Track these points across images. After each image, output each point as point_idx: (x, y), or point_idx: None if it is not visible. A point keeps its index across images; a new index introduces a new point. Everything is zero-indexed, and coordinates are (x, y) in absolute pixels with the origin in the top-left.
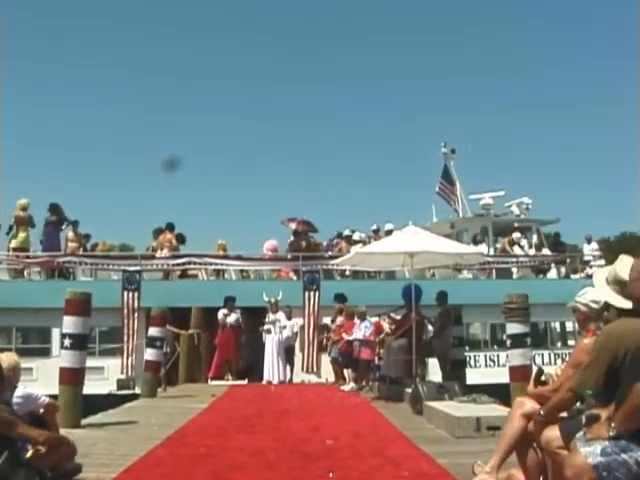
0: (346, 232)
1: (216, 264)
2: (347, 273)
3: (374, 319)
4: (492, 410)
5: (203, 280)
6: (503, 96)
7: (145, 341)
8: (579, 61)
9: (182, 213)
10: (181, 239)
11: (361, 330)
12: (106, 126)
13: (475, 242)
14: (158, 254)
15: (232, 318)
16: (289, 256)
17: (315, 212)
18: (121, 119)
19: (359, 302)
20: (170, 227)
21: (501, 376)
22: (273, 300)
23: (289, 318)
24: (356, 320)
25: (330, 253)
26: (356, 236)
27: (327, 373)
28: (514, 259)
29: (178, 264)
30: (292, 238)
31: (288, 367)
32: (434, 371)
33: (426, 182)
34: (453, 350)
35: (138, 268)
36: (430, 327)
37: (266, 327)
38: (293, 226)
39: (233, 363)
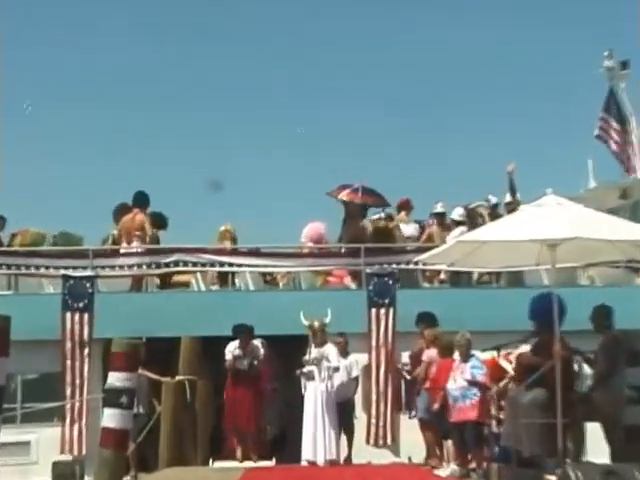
0: (438, 208)
1: (220, 264)
2: (442, 277)
3: (486, 355)
4: None
5: (199, 292)
6: None
7: (102, 396)
8: None
9: (161, 184)
10: (160, 222)
11: (465, 373)
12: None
13: None
14: (123, 248)
15: (247, 361)
16: (343, 249)
17: (385, 179)
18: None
19: (460, 327)
20: (141, 201)
21: None
22: (317, 324)
23: (344, 355)
24: (456, 356)
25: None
26: (457, 214)
27: (410, 446)
28: None
29: (157, 265)
30: (348, 219)
31: (343, 436)
32: (596, 445)
33: (576, 121)
34: (629, 409)
35: (89, 273)
36: (587, 369)
37: (305, 370)
38: (355, 200)
39: (250, 432)
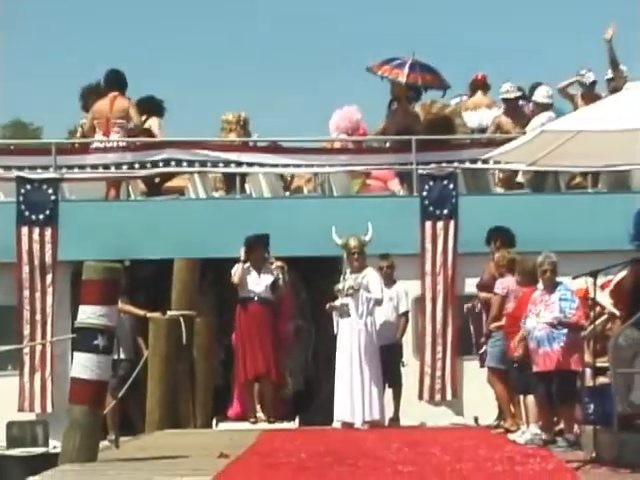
0: (508, 91)
1: (225, 163)
2: (519, 179)
3: (578, 284)
4: None
5: (197, 200)
6: None
7: (71, 337)
8: None
9: (147, 63)
10: (154, 108)
11: (551, 307)
12: None
13: None
14: (97, 142)
15: (264, 282)
16: (388, 143)
17: (441, 53)
18: None
19: (543, 246)
20: (116, 82)
21: None
22: (354, 243)
23: (389, 283)
24: (539, 286)
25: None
26: (541, 95)
27: (477, 402)
28: None
29: (142, 164)
30: (394, 104)
31: (388, 390)
32: None
33: None
34: None
35: (52, 174)
36: None
37: (339, 303)
38: (398, 77)
39: (267, 382)
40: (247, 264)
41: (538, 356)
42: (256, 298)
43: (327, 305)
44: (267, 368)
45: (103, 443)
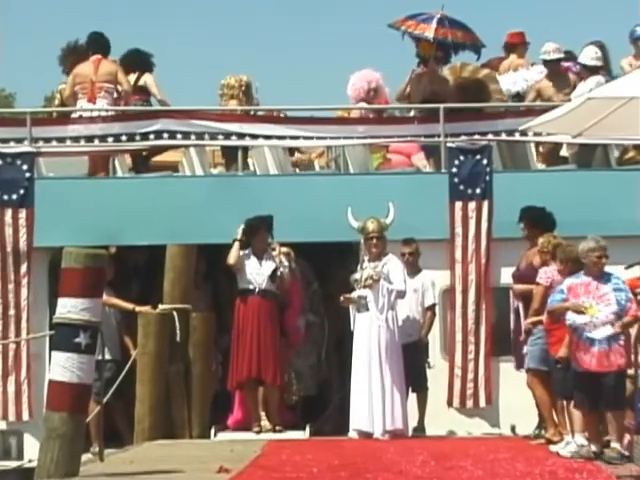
0: (550, 53)
1: (225, 135)
2: (562, 153)
3: (629, 274)
4: None
5: (193, 177)
6: None
7: (49, 334)
8: None
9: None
10: (139, 63)
11: (605, 299)
12: None
13: None
14: (80, 110)
15: (266, 271)
16: (412, 112)
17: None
18: None
19: (590, 229)
20: (99, 46)
21: None
22: (372, 227)
23: (413, 273)
24: (583, 275)
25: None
26: (588, 57)
27: (514, 409)
28: None
29: (130, 136)
30: (420, 67)
31: (412, 395)
32: None
33: None
34: None
35: (26, 148)
36: None
37: (355, 295)
38: (425, 33)
39: (271, 385)
40: (247, 250)
41: (591, 355)
42: (257, 290)
43: (342, 298)
44: (271, 372)
45: (86, 455)
